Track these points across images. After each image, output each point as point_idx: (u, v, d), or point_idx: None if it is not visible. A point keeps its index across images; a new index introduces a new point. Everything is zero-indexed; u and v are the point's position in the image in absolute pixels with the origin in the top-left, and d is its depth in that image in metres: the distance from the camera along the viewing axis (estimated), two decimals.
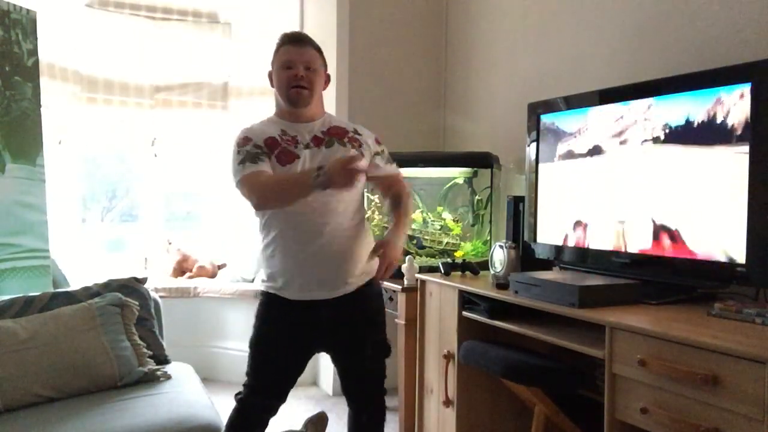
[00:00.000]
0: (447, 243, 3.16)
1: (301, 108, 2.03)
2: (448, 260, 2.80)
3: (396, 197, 2.12)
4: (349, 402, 2.15)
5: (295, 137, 2.02)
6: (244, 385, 2.05)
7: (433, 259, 3.11)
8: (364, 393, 2.12)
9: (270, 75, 2.08)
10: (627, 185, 2.17)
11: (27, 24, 2.84)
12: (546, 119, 2.53)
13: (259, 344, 2.05)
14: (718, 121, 1.87)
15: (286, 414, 2.61)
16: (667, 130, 2.03)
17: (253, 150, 1.97)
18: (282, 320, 2.02)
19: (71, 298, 2.42)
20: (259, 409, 2.03)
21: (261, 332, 2.05)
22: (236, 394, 2.06)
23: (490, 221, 3.14)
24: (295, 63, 2.00)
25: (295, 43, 2.04)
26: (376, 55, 3.74)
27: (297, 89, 1.99)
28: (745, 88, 1.80)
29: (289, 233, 1.98)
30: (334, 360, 2.14)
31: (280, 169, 1.96)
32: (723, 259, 1.85)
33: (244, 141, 2.00)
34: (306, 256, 1.96)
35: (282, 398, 2.07)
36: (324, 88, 2.11)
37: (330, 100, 3.66)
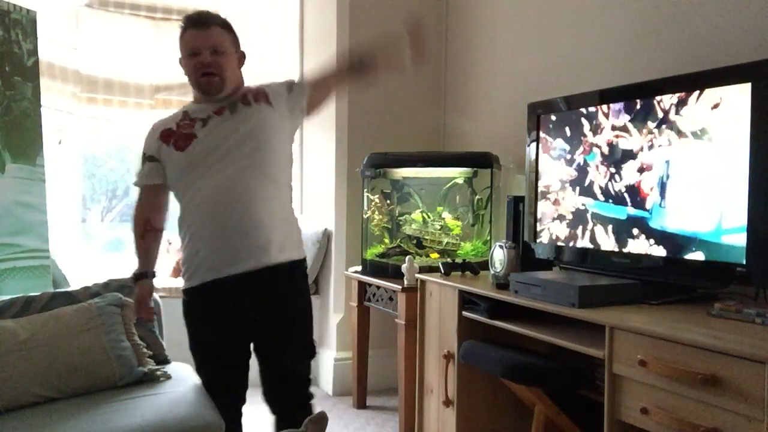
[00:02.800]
0: (447, 243, 3.16)
1: (214, 95, 1.95)
2: (448, 260, 2.80)
3: (342, 68, 2.06)
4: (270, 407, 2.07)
5: (195, 118, 1.95)
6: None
7: (433, 260, 3.11)
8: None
9: (180, 62, 1.99)
10: (627, 185, 2.16)
11: (27, 24, 2.84)
12: (546, 119, 2.53)
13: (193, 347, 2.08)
14: (718, 120, 1.87)
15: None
16: (667, 130, 2.03)
17: (140, 162, 2.04)
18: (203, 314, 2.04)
19: (71, 298, 2.42)
20: (221, 407, 2.02)
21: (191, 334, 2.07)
22: None
23: (490, 221, 3.14)
24: (200, 48, 1.90)
25: (197, 26, 1.92)
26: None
27: (206, 77, 1.91)
28: (746, 88, 1.79)
29: (212, 203, 1.94)
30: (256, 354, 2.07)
31: (176, 155, 1.93)
32: (723, 259, 1.85)
33: (143, 145, 2.06)
34: (213, 231, 1.92)
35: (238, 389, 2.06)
36: (240, 67, 2.01)
37: (330, 101, 3.66)
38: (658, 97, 2.06)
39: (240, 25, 4.17)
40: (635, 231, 2.13)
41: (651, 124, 2.08)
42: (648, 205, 2.09)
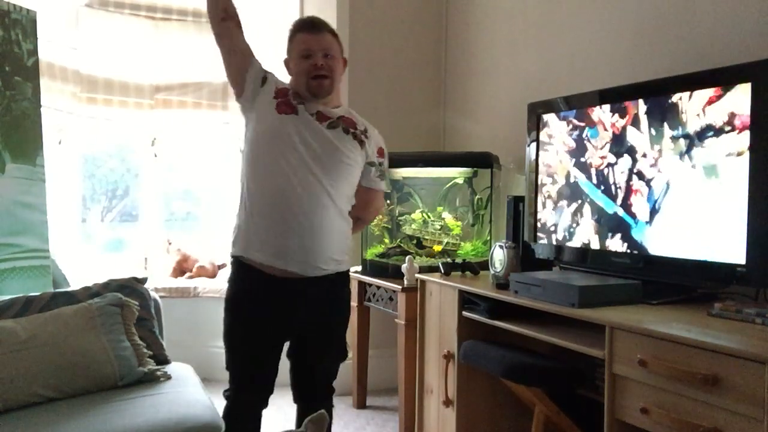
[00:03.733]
0: (447, 243, 3.16)
1: (322, 98, 2.01)
2: (448, 260, 2.80)
3: (354, 220, 2.12)
4: (298, 399, 2.15)
5: (303, 101, 2.01)
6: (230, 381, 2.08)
7: (433, 259, 3.11)
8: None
9: (286, 63, 2.05)
10: (627, 185, 2.16)
11: (27, 24, 2.84)
12: (546, 119, 2.53)
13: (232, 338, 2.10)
14: (718, 120, 1.87)
15: (286, 414, 2.61)
16: (667, 130, 2.03)
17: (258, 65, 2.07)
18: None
19: (71, 298, 2.42)
20: (246, 404, 2.05)
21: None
22: (224, 392, 2.08)
23: (490, 221, 3.14)
24: (314, 51, 1.96)
25: (311, 30, 1.99)
26: (376, 55, 3.74)
27: (318, 80, 1.96)
28: (747, 88, 1.79)
29: (282, 192, 1.98)
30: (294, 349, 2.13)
31: (273, 115, 1.96)
32: (723, 259, 1.85)
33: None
34: (290, 224, 1.98)
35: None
36: (341, 73, 2.08)
37: None
38: (657, 97, 2.06)
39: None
40: (635, 230, 2.13)
41: (651, 124, 2.08)
42: (648, 205, 2.09)
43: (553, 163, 2.50)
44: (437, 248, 3.13)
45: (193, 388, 2.26)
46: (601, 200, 2.27)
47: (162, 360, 2.44)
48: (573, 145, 2.39)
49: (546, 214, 2.53)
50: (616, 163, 2.21)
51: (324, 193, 1.95)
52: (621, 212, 2.19)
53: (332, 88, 2.00)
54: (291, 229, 1.92)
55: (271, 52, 4.20)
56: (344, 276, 2.10)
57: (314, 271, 1.96)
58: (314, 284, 1.98)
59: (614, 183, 2.21)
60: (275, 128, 1.97)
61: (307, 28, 2.00)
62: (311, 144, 1.95)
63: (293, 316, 2.00)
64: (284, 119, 1.96)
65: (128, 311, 2.39)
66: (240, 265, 2.02)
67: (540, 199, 2.56)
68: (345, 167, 2.00)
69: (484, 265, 2.65)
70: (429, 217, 3.24)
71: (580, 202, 2.36)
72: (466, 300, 2.43)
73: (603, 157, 2.26)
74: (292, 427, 2.52)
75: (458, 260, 2.73)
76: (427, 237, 3.20)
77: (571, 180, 2.40)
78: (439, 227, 3.21)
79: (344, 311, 2.16)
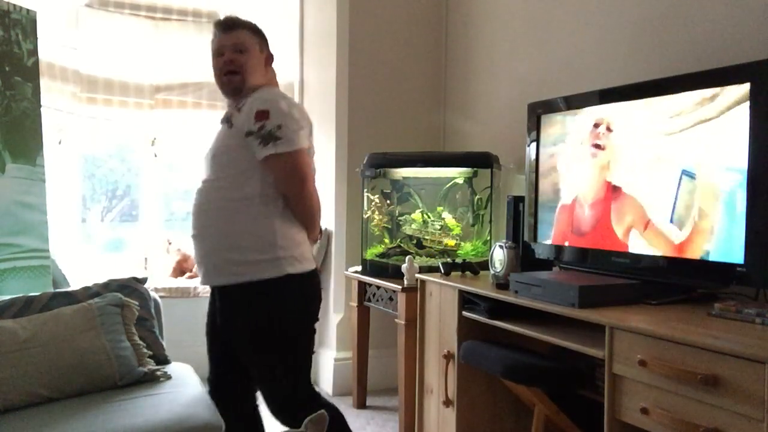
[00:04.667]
0: (445, 244, 3.16)
1: (233, 96, 1.98)
2: (448, 260, 2.80)
3: (285, 200, 1.94)
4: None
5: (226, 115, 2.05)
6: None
7: (433, 259, 3.11)
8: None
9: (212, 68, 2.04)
10: (627, 185, 2.16)
11: (27, 24, 2.84)
12: (546, 119, 2.53)
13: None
14: (718, 120, 1.87)
15: None
16: (667, 130, 2.03)
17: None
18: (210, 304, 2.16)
19: (71, 298, 2.42)
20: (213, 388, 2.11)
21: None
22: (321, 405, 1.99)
23: (490, 221, 3.14)
24: (225, 48, 1.96)
25: (224, 29, 1.99)
26: (376, 55, 3.74)
27: (227, 75, 1.96)
28: (745, 88, 1.79)
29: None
30: None
31: None
32: (723, 259, 1.85)
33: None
34: (193, 229, 1.99)
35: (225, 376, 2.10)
36: (267, 65, 2.05)
37: (330, 100, 3.67)
38: (657, 97, 2.06)
39: None
40: (635, 230, 2.13)
41: (650, 124, 2.08)
42: (647, 205, 2.08)
43: (553, 163, 2.50)
44: (451, 243, 3.12)
45: (193, 388, 2.26)
46: (601, 200, 2.27)
47: (162, 360, 2.44)
48: (573, 144, 2.39)
49: (546, 214, 2.53)
50: (616, 164, 2.21)
51: (212, 184, 2.00)
52: (621, 212, 2.19)
53: (243, 84, 1.95)
54: (195, 237, 2.04)
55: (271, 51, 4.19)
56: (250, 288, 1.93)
57: (212, 279, 2.04)
58: (220, 295, 2.08)
59: (614, 183, 2.21)
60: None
61: (220, 28, 2.00)
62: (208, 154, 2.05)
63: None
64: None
65: (128, 311, 2.39)
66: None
67: (540, 199, 2.56)
68: (220, 156, 1.98)
69: (484, 265, 2.65)
70: (429, 217, 3.24)
71: (580, 201, 2.36)
72: (466, 300, 2.43)
73: (603, 158, 2.26)
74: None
75: (458, 260, 2.73)
76: (427, 237, 3.20)
77: (571, 180, 2.40)
78: (439, 227, 3.21)
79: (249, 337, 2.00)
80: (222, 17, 2.05)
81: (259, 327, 1.90)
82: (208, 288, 3.95)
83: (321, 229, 2.17)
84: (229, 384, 2.12)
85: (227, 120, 1.98)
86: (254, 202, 1.88)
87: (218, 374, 2.13)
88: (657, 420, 1.60)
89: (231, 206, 1.90)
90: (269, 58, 2.07)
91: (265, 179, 1.89)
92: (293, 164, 1.88)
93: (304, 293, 1.96)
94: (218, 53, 1.98)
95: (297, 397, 1.94)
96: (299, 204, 1.91)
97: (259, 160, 1.87)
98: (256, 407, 2.17)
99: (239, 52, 1.95)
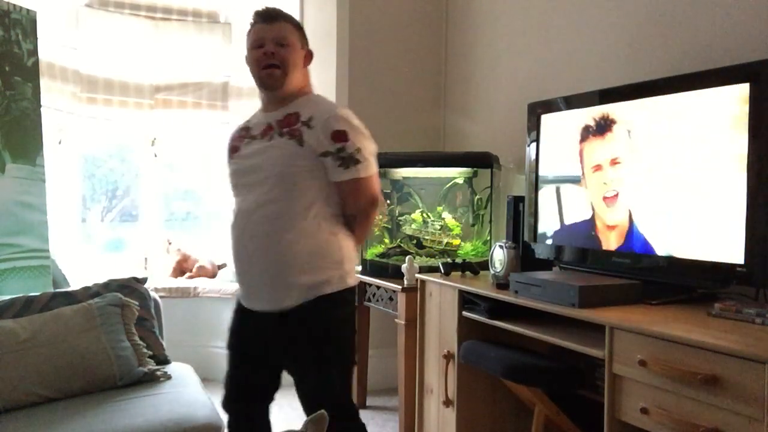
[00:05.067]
0: (447, 243, 3.16)
1: (273, 91, 1.87)
2: (448, 260, 2.80)
3: (354, 218, 1.88)
4: None
5: (249, 130, 1.93)
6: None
7: (433, 259, 3.11)
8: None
9: (246, 59, 1.93)
10: (627, 184, 2.16)
11: (27, 24, 2.84)
12: (546, 119, 2.53)
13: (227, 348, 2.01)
14: (718, 120, 1.87)
15: (286, 414, 2.61)
16: (666, 130, 2.03)
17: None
18: (237, 327, 1.98)
19: (71, 298, 2.42)
20: (233, 414, 2.00)
21: (228, 335, 2.01)
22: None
23: (490, 221, 3.14)
24: (265, 40, 1.85)
25: (265, 20, 1.88)
26: (376, 55, 3.74)
27: (268, 69, 1.84)
28: (745, 88, 1.79)
29: (232, 228, 1.90)
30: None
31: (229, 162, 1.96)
32: (723, 259, 1.85)
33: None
34: (241, 256, 1.87)
35: (252, 403, 2.00)
36: (305, 65, 1.94)
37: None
38: (657, 97, 2.06)
39: (240, 26, 4.20)
40: (635, 231, 2.13)
41: (650, 123, 2.08)
42: (647, 205, 2.08)
43: (552, 163, 2.50)
44: (455, 242, 3.12)
45: (193, 388, 2.26)
46: (601, 199, 2.26)
47: (162, 360, 2.44)
48: (572, 144, 2.39)
49: (546, 214, 2.53)
50: (615, 163, 2.20)
51: (268, 211, 1.85)
52: (621, 212, 2.19)
53: (284, 79, 1.85)
54: (249, 264, 1.94)
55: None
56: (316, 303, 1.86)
57: (279, 304, 1.93)
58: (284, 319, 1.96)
59: (614, 183, 2.21)
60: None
61: (261, 18, 1.89)
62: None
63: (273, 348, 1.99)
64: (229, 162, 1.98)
65: (128, 311, 2.39)
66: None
67: (540, 198, 2.56)
68: (279, 175, 1.84)
69: (484, 265, 2.65)
70: (429, 217, 3.24)
71: (579, 201, 2.36)
72: (466, 300, 2.43)
73: (602, 157, 2.26)
74: (293, 427, 2.52)
75: (458, 260, 2.73)
76: (427, 237, 3.20)
77: (571, 179, 2.40)
78: (439, 227, 3.21)
79: (318, 342, 1.92)
80: (263, 7, 1.91)
81: (326, 338, 1.85)
82: (208, 288, 3.98)
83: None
84: (252, 402, 2.01)
85: (294, 136, 1.81)
86: (322, 223, 1.82)
87: (242, 392, 2.00)
88: (657, 420, 1.60)
89: (298, 229, 1.80)
90: (309, 55, 1.96)
91: (331, 197, 1.85)
92: (369, 187, 1.86)
93: (353, 304, 1.97)
94: (257, 44, 1.86)
95: (349, 406, 1.92)
96: (364, 224, 1.91)
97: (334, 181, 1.83)
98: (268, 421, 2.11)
99: (281, 45, 1.85)
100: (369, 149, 1.86)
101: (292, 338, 1.85)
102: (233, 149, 1.96)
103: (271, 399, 2.05)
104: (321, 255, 1.82)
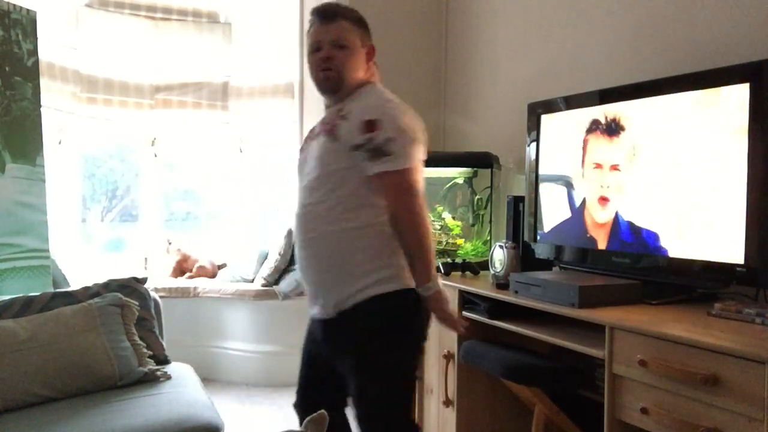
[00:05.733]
0: (447, 243, 3.16)
1: (330, 94, 1.79)
2: (448, 260, 2.80)
3: (395, 226, 1.71)
4: None
5: (314, 129, 1.85)
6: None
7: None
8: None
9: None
10: (627, 184, 2.16)
11: (27, 24, 2.84)
12: (546, 119, 2.53)
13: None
14: (718, 120, 1.87)
15: (286, 414, 2.61)
16: (666, 130, 2.03)
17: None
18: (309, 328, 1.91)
19: (71, 298, 2.42)
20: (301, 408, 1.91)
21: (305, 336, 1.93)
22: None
23: (490, 221, 3.14)
24: (323, 43, 1.75)
25: (323, 20, 1.77)
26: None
27: (325, 73, 1.75)
28: (745, 88, 1.80)
29: (294, 232, 1.83)
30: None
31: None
32: (723, 259, 1.85)
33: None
34: (299, 261, 1.79)
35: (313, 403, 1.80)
36: (368, 61, 1.83)
37: None
38: (657, 97, 2.06)
39: (240, 25, 4.21)
40: (635, 230, 2.13)
41: (650, 123, 2.08)
42: (647, 205, 2.08)
43: (553, 163, 2.50)
44: (459, 241, 3.12)
45: (193, 388, 2.26)
46: (600, 199, 2.26)
47: (162, 360, 2.44)
48: (573, 144, 2.39)
49: (546, 214, 2.53)
50: (615, 163, 2.20)
51: (318, 215, 1.76)
52: (621, 212, 2.19)
53: (340, 84, 1.75)
54: (305, 273, 1.86)
55: (271, 51, 4.21)
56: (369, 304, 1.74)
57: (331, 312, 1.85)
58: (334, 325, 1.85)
59: (614, 182, 2.21)
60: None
61: (318, 17, 1.77)
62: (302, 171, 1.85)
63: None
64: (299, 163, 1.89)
65: (128, 311, 2.39)
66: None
67: (540, 198, 2.56)
68: (324, 176, 1.74)
69: (484, 265, 2.65)
70: (429, 217, 3.24)
71: (580, 201, 2.36)
72: (466, 300, 2.43)
73: (602, 157, 2.26)
74: (293, 427, 2.52)
75: (458, 260, 2.73)
76: None
77: (571, 179, 2.40)
78: (439, 227, 3.21)
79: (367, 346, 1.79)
80: (321, 4, 1.79)
81: (373, 343, 1.73)
82: (208, 288, 3.98)
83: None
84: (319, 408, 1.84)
85: (330, 132, 1.73)
86: (370, 223, 1.71)
87: (309, 397, 1.92)
88: (657, 420, 1.60)
89: (348, 231, 1.70)
90: (371, 51, 1.85)
91: (377, 194, 1.71)
92: (400, 182, 1.69)
93: (413, 306, 1.77)
94: (315, 48, 1.77)
95: (407, 412, 1.84)
96: (410, 222, 1.71)
97: (366, 176, 1.69)
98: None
99: (338, 47, 1.75)
100: (403, 140, 1.70)
101: (341, 343, 1.76)
102: (300, 150, 1.90)
103: (342, 405, 1.93)
104: (373, 261, 1.71)
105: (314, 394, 1.91)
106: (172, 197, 4.45)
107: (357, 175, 1.69)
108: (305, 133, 1.99)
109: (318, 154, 1.74)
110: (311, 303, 1.82)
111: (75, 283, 2.88)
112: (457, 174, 3.25)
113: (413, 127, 1.76)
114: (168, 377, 2.31)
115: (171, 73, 4.03)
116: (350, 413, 1.86)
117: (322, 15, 1.77)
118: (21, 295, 2.42)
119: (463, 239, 3.16)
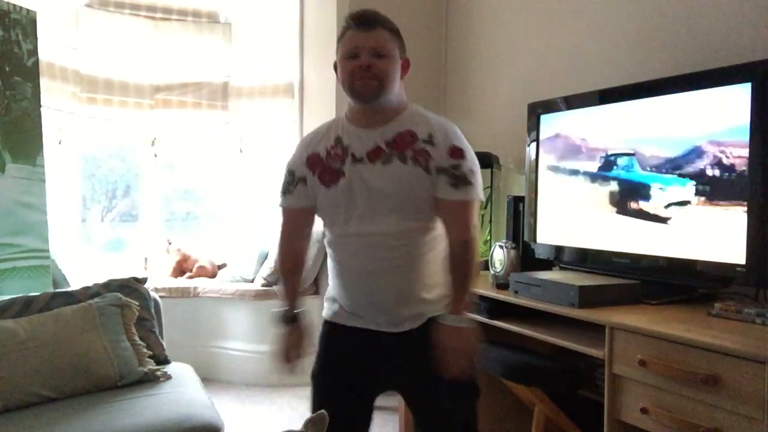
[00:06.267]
0: None
1: (370, 103, 1.66)
2: None
3: (452, 252, 1.65)
4: None
5: (348, 148, 1.68)
6: None
7: None
8: None
9: (335, 66, 1.72)
10: (627, 185, 2.17)
11: (27, 24, 2.84)
12: (546, 119, 2.53)
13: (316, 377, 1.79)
14: (718, 120, 1.87)
15: (286, 414, 2.61)
16: (666, 130, 2.03)
17: (287, 176, 1.76)
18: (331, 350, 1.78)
19: (71, 298, 2.42)
20: None
21: (318, 363, 1.80)
22: None
23: (490, 221, 3.14)
24: (362, 50, 1.63)
25: (361, 26, 1.65)
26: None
27: (363, 81, 1.63)
28: (745, 88, 1.80)
29: (350, 258, 1.71)
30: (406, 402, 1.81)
31: (321, 190, 1.70)
32: (723, 259, 1.85)
33: (290, 159, 1.77)
34: (361, 287, 1.70)
35: None
36: (403, 76, 1.73)
37: (330, 101, 3.67)
38: (657, 97, 2.06)
39: (240, 25, 4.20)
40: (635, 230, 2.13)
41: (650, 123, 2.08)
42: (647, 205, 2.08)
43: (553, 163, 2.50)
44: None
45: (193, 388, 2.26)
46: (601, 199, 2.27)
47: (162, 360, 2.44)
48: (573, 144, 2.39)
49: (546, 214, 2.53)
50: (616, 163, 2.20)
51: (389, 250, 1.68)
52: (621, 211, 2.19)
53: (382, 91, 1.64)
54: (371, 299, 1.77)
55: (271, 51, 4.21)
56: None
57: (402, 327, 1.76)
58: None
59: (614, 182, 2.21)
60: (328, 200, 1.72)
61: (356, 23, 1.66)
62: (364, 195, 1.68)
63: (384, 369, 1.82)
64: (333, 189, 1.69)
65: (128, 311, 2.39)
66: None
67: (540, 198, 2.56)
68: (396, 200, 1.65)
69: (484, 265, 2.64)
70: None
71: (580, 201, 2.36)
72: None
73: (603, 157, 2.26)
74: (292, 427, 2.52)
75: None
76: None
77: (571, 179, 2.40)
78: None
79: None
80: (359, 9, 1.69)
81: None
82: (208, 288, 3.98)
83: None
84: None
85: (419, 158, 1.64)
86: (438, 248, 1.69)
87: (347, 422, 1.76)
88: (657, 420, 1.60)
89: (423, 256, 1.67)
90: (406, 64, 1.75)
91: (437, 218, 1.68)
92: (472, 213, 1.66)
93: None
94: (352, 54, 1.64)
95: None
96: (467, 253, 1.65)
97: (439, 199, 1.64)
98: None
99: (379, 56, 1.64)
100: (478, 174, 1.70)
101: (422, 351, 1.66)
102: (331, 173, 1.69)
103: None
104: (438, 285, 1.70)
105: (348, 418, 1.77)
106: (172, 197, 4.45)
107: (431, 199, 1.65)
108: (305, 133, 1.93)
109: (403, 182, 1.64)
110: (366, 323, 1.72)
111: (75, 283, 2.87)
112: None
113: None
114: (168, 377, 2.31)
115: (171, 73, 4.03)
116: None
117: (361, 21, 1.66)
118: (21, 295, 2.42)
119: None
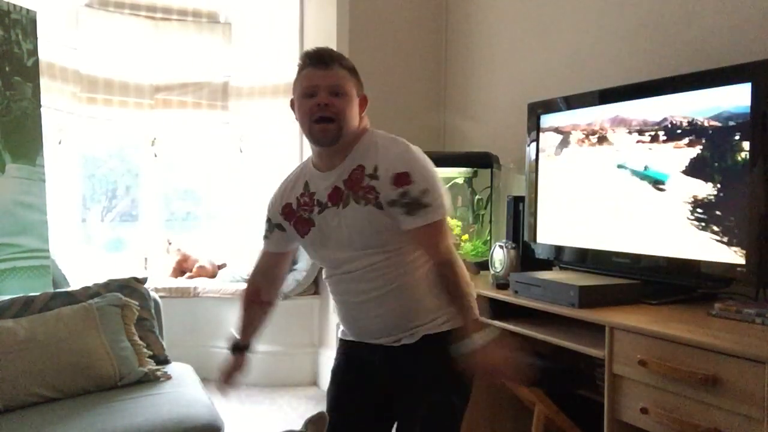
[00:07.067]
0: (462, 237, 3.16)
1: (328, 147, 1.65)
2: None
3: (437, 275, 1.63)
4: None
5: (314, 195, 1.70)
6: None
7: None
8: None
9: (292, 104, 1.71)
10: (627, 184, 2.16)
11: (27, 24, 2.84)
12: (546, 119, 2.53)
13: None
14: (718, 120, 1.87)
15: (286, 414, 2.62)
16: (666, 130, 2.03)
17: (265, 223, 1.82)
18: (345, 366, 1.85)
19: (71, 298, 2.42)
20: None
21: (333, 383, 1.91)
22: None
23: (490, 221, 3.14)
24: (318, 88, 1.62)
25: (318, 65, 1.64)
26: (376, 56, 3.74)
27: (321, 124, 1.61)
28: (745, 88, 1.80)
29: (342, 296, 1.76)
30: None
31: (299, 239, 1.74)
32: (723, 259, 1.85)
33: (269, 203, 1.82)
34: (359, 318, 1.75)
35: None
36: (361, 113, 1.71)
37: None
38: (657, 97, 2.06)
39: (240, 25, 4.20)
40: (635, 230, 2.13)
41: (650, 124, 2.08)
42: (647, 205, 2.09)
43: (553, 163, 2.50)
44: (465, 237, 3.11)
45: (193, 388, 2.26)
46: (602, 199, 2.27)
47: (162, 360, 2.44)
48: (573, 144, 2.39)
49: (546, 214, 2.53)
50: (615, 163, 2.21)
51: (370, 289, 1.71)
52: (621, 211, 2.19)
53: (341, 133, 1.62)
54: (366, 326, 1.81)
55: (271, 51, 4.21)
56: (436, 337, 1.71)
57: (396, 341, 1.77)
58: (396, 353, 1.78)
59: (614, 182, 2.21)
60: (306, 245, 1.77)
61: (313, 61, 1.65)
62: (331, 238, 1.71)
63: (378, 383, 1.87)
64: (308, 237, 1.73)
65: (128, 311, 2.39)
66: None
67: (540, 198, 2.56)
68: (361, 240, 1.66)
69: (484, 265, 2.64)
70: None
71: (580, 201, 2.36)
72: None
73: (602, 157, 2.26)
74: (293, 427, 2.52)
75: None
76: None
77: (572, 179, 2.40)
78: None
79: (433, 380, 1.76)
80: (314, 48, 1.69)
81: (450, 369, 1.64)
82: (208, 288, 3.98)
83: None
84: None
85: (369, 197, 1.62)
86: (420, 270, 1.68)
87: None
88: (657, 420, 1.60)
89: (401, 283, 1.67)
90: (364, 101, 1.73)
91: (407, 244, 1.66)
92: (440, 231, 1.63)
93: None
94: (309, 93, 1.63)
95: None
96: (451, 270, 1.62)
97: (402, 230, 1.61)
98: None
99: (336, 95, 1.63)
100: (438, 190, 1.66)
101: (424, 363, 1.69)
102: (303, 222, 1.72)
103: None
104: (427, 306, 1.69)
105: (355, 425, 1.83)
106: (172, 197, 4.46)
107: (396, 229, 1.63)
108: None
109: (362, 221, 1.64)
110: (369, 338, 1.75)
111: (75, 283, 2.87)
112: (457, 174, 3.25)
113: (436, 171, 1.72)
114: (168, 377, 2.31)
115: (171, 73, 4.03)
116: None
117: (317, 59, 1.65)
118: (21, 295, 2.42)
119: (467, 235, 3.16)
